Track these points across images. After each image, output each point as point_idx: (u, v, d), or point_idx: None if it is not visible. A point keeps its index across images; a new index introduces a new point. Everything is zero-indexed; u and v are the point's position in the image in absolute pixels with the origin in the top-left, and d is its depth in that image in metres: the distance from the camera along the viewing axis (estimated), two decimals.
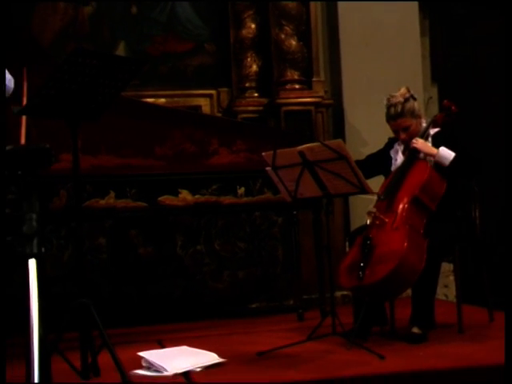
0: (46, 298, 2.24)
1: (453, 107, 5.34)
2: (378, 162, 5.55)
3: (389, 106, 5.36)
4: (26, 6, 7.28)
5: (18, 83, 4.69)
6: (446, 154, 5.11)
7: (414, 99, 5.40)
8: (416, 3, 7.68)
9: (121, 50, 7.61)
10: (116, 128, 5.84)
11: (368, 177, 5.08)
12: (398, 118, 5.30)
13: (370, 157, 5.64)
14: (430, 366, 4.30)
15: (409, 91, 5.39)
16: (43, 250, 2.34)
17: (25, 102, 4.51)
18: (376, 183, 5.36)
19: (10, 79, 4.32)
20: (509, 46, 4.39)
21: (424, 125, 5.39)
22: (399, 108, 5.29)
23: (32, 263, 2.28)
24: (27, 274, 2.26)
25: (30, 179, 2.58)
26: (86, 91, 4.29)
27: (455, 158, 5.09)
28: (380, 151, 5.64)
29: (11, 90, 4.33)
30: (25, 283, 2.25)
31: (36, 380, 2.10)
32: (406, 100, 5.32)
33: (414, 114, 5.34)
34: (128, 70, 4.56)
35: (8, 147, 2.82)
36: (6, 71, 4.31)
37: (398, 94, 5.36)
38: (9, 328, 3.27)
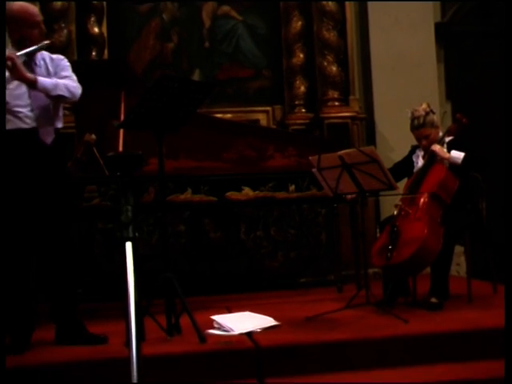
0: (139, 273, 2.26)
1: (464, 120, 5.29)
2: (404, 167, 5.54)
3: (413, 119, 5.34)
4: (125, 45, 7.37)
5: (116, 103, 4.73)
6: (457, 155, 5.11)
7: (433, 113, 5.38)
8: (433, 36, 7.64)
9: (196, 76, 7.64)
10: (192, 138, 5.87)
11: (396, 181, 5.07)
12: (421, 128, 5.29)
13: (397, 164, 5.62)
14: (444, 329, 4.31)
15: (429, 106, 5.37)
16: (137, 234, 2.36)
17: (122, 118, 4.54)
18: (401, 182, 5.35)
19: (78, 87, 4.32)
20: (509, 70, 4.32)
21: (440, 134, 5.35)
22: (421, 120, 5.27)
23: (128, 245, 2.31)
24: (125, 253, 2.29)
25: (126, 179, 2.60)
26: (170, 109, 4.34)
27: (465, 156, 5.09)
28: (404, 158, 5.63)
29: (78, 96, 4.32)
30: (123, 261, 2.28)
31: (133, 335, 2.13)
32: (427, 114, 5.30)
33: (433, 125, 5.32)
34: (202, 91, 4.59)
35: (110, 154, 2.84)
36: (76, 80, 4.32)
37: (420, 108, 5.34)
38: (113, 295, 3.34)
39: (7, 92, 4.16)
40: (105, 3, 7.38)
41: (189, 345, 4.08)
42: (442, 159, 5.17)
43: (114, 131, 4.70)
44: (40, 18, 4.39)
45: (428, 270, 5.10)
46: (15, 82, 4.19)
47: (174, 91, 4.29)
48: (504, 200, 5.62)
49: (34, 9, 4.41)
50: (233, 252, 6.54)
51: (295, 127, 7.53)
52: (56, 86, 4.20)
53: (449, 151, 5.19)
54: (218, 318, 4.55)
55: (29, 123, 4.21)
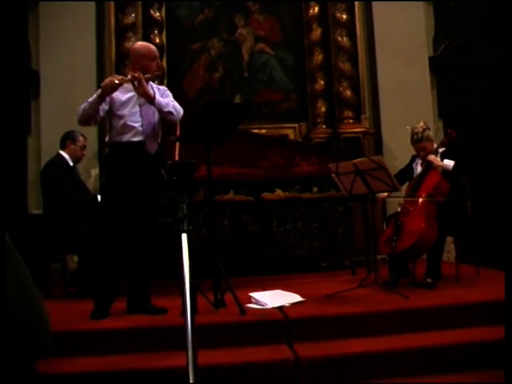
0: (191, 258, 2.28)
1: (453, 134, 5.25)
2: (406, 173, 5.52)
3: (412, 134, 5.34)
4: (180, 75, 7.44)
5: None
6: (448, 163, 5.13)
7: (429, 129, 5.39)
8: (427, 67, 7.63)
9: (237, 99, 7.67)
10: (234, 149, 5.89)
11: (400, 184, 5.08)
12: (419, 142, 5.29)
13: (401, 171, 5.59)
14: (438, 303, 4.31)
15: (425, 124, 5.37)
16: (190, 227, 2.38)
17: (178, 133, 4.59)
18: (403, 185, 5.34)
19: (181, 109, 4.41)
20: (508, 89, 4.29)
21: (435, 146, 5.33)
22: (420, 135, 5.27)
23: (184, 236, 2.32)
24: (181, 243, 2.31)
25: (181, 182, 2.63)
26: (216, 126, 4.35)
27: (455, 164, 5.10)
28: (406, 165, 5.61)
29: (181, 116, 4.42)
30: (179, 248, 2.30)
31: (188, 307, 2.15)
32: (424, 130, 5.29)
33: (429, 139, 5.31)
34: (241, 112, 4.61)
35: (168, 162, 2.89)
36: (178, 105, 4.41)
37: (418, 125, 5.33)
38: (169, 276, 3.38)
39: (125, 110, 4.30)
40: (165, 43, 7.46)
41: (232, 316, 4.10)
42: (437, 167, 5.17)
43: (171, 144, 4.74)
44: (157, 54, 4.54)
45: (425, 256, 5.09)
46: (132, 103, 4.32)
47: (219, 112, 4.32)
48: (487, 199, 5.60)
49: (153, 46, 4.59)
50: (266, 242, 6.53)
51: (317, 140, 7.53)
52: (168, 104, 4.35)
53: (442, 160, 5.19)
54: (255, 295, 4.57)
55: (138, 137, 4.31)
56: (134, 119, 4.31)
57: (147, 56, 4.40)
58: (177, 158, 4.61)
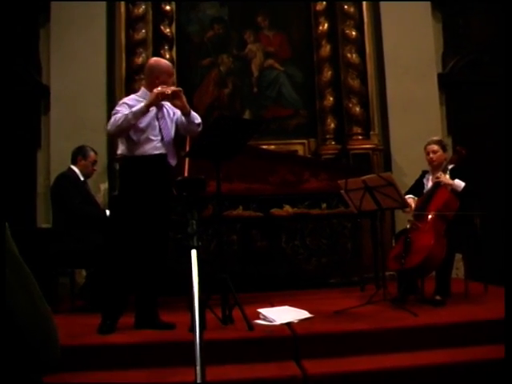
0: (200, 274, 2.28)
1: (463, 151, 5.28)
2: (416, 189, 5.53)
3: (429, 140, 5.45)
4: (190, 91, 7.48)
5: (183, 137, 4.81)
6: (458, 183, 5.14)
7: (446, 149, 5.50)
8: (436, 84, 7.66)
9: (246, 115, 7.72)
10: (243, 165, 5.91)
11: None
12: (432, 143, 5.39)
13: (412, 188, 5.60)
14: (447, 321, 4.29)
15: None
16: (200, 243, 2.39)
17: (187, 149, 4.62)
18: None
19: (200, 123, 4.47)
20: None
21: (444, 162, 5.35)
22: (435, 139, 5.46)
23: (194, 252, 2.33)
24: (190, 258, 2.31)
25: (191, 198, 2.64)
26: (225, 142, 4.35)
27: (465, 187, 5.11)
28: (416, 181, 5.62)
29: (198, 131, 4.48)
30: (189, 264, 2.30)
31: (197, 323, 2.16)
32: (441, 140, 5.46)
33: (441, 144, 5.44)
34: (251, 128, 4.63)
35: (178, 178, 2.91)
36: (199, 119, 4.48)
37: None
38: (180, 291, 3.39)
39: (145, 123, 4.33)
40: (175, 58, 7.51)
41: (240, 332, 4.10)
42: (446, 185, 5.17)
43: (180, 159, 4.76)
44: (173, 71, 4.62)
45: (433, 273, 5.07)
46: (152, 117, 4.37)
47: (228, 128, 4.33)
48: (497, 217, 5.59)
49: (170, 63, 4.71)
50: (275, 257, 6.53)
51: (326, 156, 7.55)
52: (198, 116, 4.45)
53: (451, 177, 5.20)
54: (263, 311, 4.57)
55: (159, 150, 4.35)
56: (154, 132, 4.36)
57: (167, 72, 4.50)
58: (186, 174, 4.62)
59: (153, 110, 4.37)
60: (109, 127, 4.34)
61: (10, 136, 6.92)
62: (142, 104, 4.27)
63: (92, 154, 5.70)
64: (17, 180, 6.91)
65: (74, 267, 5.65)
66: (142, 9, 7.43)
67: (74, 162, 5.66)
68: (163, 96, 4.27)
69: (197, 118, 4.44)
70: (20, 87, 7.10)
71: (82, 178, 5.63)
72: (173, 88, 4.35)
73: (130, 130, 4.30)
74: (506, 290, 3.13)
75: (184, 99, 4.34)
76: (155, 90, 4.27)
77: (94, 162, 5.75)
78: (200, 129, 4.46)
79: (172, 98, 4.33)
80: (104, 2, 7.42)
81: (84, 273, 6.14)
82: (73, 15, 7.23)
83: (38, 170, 7.26)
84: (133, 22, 7.41)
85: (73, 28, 7.22)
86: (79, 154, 5.66)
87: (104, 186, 6.99)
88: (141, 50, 7.34)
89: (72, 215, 5.40)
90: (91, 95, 7.04)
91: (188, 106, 4.38)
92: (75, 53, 7.19)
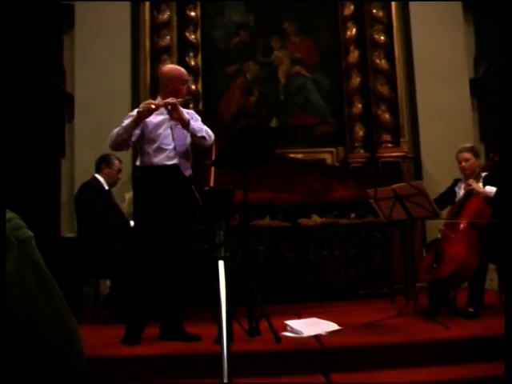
0: (227, 285, 2.28)
1: (496, 158, 5.24)
2: (447, 197, 5.49)
3: (461, 147, 5.41)
4: (216, 98, 7.51)
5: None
6: (490, 190, 5.09)
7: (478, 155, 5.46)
8: (468, 89, 7.61)
9: (273, 123, 7.71)
10: (270, 174, 5.88)
11: (441, 209, 5.05)
12: (464, 151, 5.35)
13: (442, 195, 5.57)
14: (480, 334, 4.24)
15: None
16: (227, 254, 2.39)
17: (214, 158, 4.62)
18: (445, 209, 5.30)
19: (211, 135, 4.46)
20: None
21: (478, 163, 5.35)
22: (467, 146, 5.42)
23: (221, 263, 2.33)
24: (218, 269, 2.31)
25: (218, 209, 2.64)
26: (252, 150, 4.35)
27: (496, 191, 5.06)
28: (448, 189, 5.58)
29: (212, 141, 4.48)
30: (216, 275, 2.30)
31: (224, 335, 2.15)
32: (473, 147, 5.43)
33: (473, 151, 5.42)
34: (278, 136, 4.63)
35: (206, 188, 2.90)
36: (209, 129, 4.46)
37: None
38: (207, 301, 3.38)
39: (158, 133, 4.37)
40: (200, 65, 7.53)
41: (267, 344, 4.10)
42: (478, 193, 5.12)
43: (206, 168, 4.76)
44: (188, 77, 4.65)
45: (466, 284, 5.02)
46: (164, 126, 4.39)
47: (255, 136, 4.34)
48: None
49: (183, 69, 4.67)
50: (303, 268, 6.49)
51: (355, 165, 7.52)
52: (201, 129, 4.43)
53: (484, 185, 5.14)
54: (291, 323, 4.56)
55: (172, 160, 4.37)
56: (167, 142, 4.38)
57: (178, 79, 4.49)
58: (212, 184, 4.63)
59: (165, 118, 4.39)
60: (108, 141, 4.40)
61: (34, 144, 7.00)
62: (128, 120, 4.32)
63: (116, 162, 5.74)
64: (41, 189, 6.98)
65: (98, 277, 5.68)
66: (166, 15, 7.47)
67: (99, 171, 5.70)
68: (149, 111, 4.26)
69: (199, 131, 4.39)
70: (44, 95, 7.17)
71: (106, 187, 5.67)
72: (163, 101, 4.34)
73: (126, 144, 4.38)
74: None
75: (180, 111, 4.33)
76: (143, 104, 4.32)
77: (119, 171, 5.78)
78: (207, 142, 4.44)
79: (171, 110, 4.32)
80: (128, 9, 7.47)
81: (108, 283, 6.17)
82: (97, 22, 7.30)
83: (62, 178, 7.32)
84: (157, 29, 7.45)
85: (97, 35, 7.29)
86: (103, 162, 5.70)
87: (129, 196, 7.02)
88: (165, 56, 7.38)
89: (96, 224, 5.43)
90: (116, 103, 7.08)
91: (186, 118, 4.35)
92: (99, 60, 7.25)
